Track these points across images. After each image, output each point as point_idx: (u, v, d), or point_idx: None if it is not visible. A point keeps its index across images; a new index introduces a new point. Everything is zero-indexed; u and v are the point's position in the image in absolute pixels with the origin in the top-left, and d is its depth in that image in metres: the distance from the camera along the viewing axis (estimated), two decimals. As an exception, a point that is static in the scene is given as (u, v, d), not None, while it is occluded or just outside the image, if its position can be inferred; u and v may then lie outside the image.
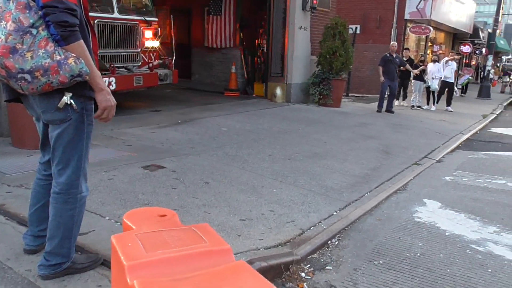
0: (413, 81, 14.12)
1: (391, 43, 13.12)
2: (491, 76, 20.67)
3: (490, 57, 21.17)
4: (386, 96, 12.00)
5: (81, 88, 2.36)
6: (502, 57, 44.39)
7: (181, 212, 3.79)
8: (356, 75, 18.31)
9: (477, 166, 6.87)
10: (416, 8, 18.94)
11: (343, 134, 8.16)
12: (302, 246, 3.48)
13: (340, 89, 11.98)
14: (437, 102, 14.01)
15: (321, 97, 11.58)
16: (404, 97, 14.66)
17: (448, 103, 13.83)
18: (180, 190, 4.38)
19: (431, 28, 19.49)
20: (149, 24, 9.16)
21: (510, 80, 24.91)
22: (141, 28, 8.94)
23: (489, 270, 3.33)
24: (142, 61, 9.05)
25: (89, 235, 3.15)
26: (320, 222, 4.00)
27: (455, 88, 13.89)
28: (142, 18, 9.03)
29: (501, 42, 37.80)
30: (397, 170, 6.14)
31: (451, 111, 13.41)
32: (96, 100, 2.41)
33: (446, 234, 4.01)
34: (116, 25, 8.35)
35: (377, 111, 11.82)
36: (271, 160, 5.88)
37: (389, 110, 11.89)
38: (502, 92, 24.47)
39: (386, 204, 4.80)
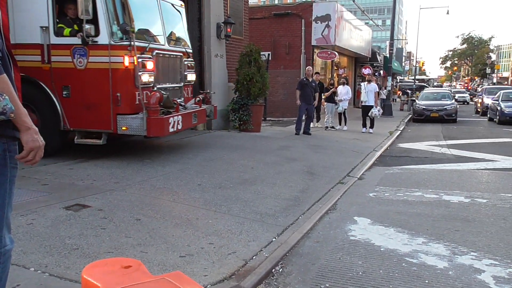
0: (325, 103, 14.85)
1: (307, 67, 13.69)
2: (383, 96, 22.37)
3: (390, 78, 23.06)
4: (303, 118, 12.45)
5: (3, 127, 2.09)
6: (397, 77, 48.75)
7: (116, 254, 3.51)
8: (270, 100, 18.83)
9: (395, 181, 7.32)
10: (321, 35, 20.16)
11: (268, 158, 8.27)
12: (248, 278, 3.39)
13: (259, 114, 12.21)
14: (370, 126, 14.07)
15: (241, 122, 11.69)
16: (318, 119, 15.35)
17: (371, 125, 13.98)
18: (110, 230, 4.07)
19: (337, 53, 20.80)
20: (189, 55, 8.43)
21: (408, 98, 27.29)
22: (184, 60, 8.19)
23: (426, 281, 3.49)
24: (183, 96, 8.23)
25: (13, 293, 2.77)
26: (261, 250, 3.95)
27: (375, 110, 14.10)
28: (184, 49, 8.28)
29: (395, 64, 41.55)
30: (324, 190, 6.32)
31: (370, 133, 13.71)
32: (21, 140, 2.14)
33: (381, 249, 4.17)
34: (167, 57, 7.59)
35: (296, 133, 12.19)
36: (201, 190, 5.74)
37: (307, 132, 12.34)
38: (401, 109, 26.72)
39: (321, 225, 4.89)
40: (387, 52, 27.97)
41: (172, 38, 8.03)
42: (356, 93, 24.45)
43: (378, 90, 14.76)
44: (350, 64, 29.22)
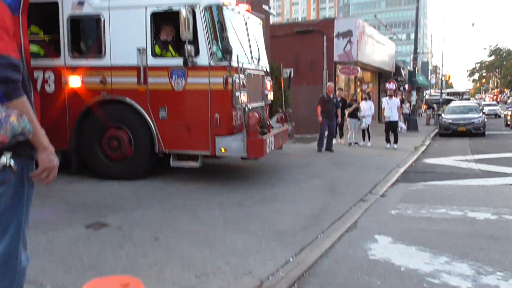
0: (348, 119, 14.72)
1: (328, 83, 13.66)
2: (407, 110, 21.85)
3: (414, 93, 22.75)
4: (325, 135, 12.37)
5: (22, 146, 2.16)
6: (425, 91, 48.09)
7: (132, 273, 3.52)
8: (293, 116, 18.68)
9: (418, 197, 7.16)
10: (344, 50, 20.13)
11: (289, 175, 8.23)
12: (263, 298, 3.36)
13: (280, 131, 12.17)
14: (394, 142, 13.88)
15: (263, 139, 11.68)
16: (341, 135, 15.21)
17: (395, 141, 13.76)
18: (128, 248, 4.12)
19: (359, 69, 20.70)
20: (268, 73, 8.43)
21: (434, 113, 26.81)
22: (265, 79, 8.22)
23: (448, 302, 3.37)
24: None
25: (30, 311, 2.82)
26: (278, 270, 3.90)
27: (401, 124, 13.87)
28: (265, 67, 8.30)
29: (420, 78, 40.98)
30: (345, 207, 6.23)
31: (395, 148, 13.47)
32: (38, 159, 2.22)
33: (402, 269, 4.06)
34: (254, 76, 7.62)
35: (318, 150, 12.10)
36: (221, 208, 5.75)
37: (329, 148, 12.24)
38: (428, 124, 26.21)
39: (340, 243, 4.81)
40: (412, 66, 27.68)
41: (256, 57, 8.00)
42: (380, 109, 24.20)
43: (400, 105, 14.58)
44: (374, 79, 28.98)
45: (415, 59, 23.49)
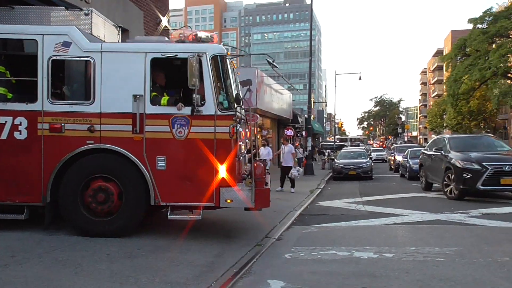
0: (248, 164, 15.04)
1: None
2: (300, 155, 23.02)
3: (310, 139, 24.14)
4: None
5: None
6: (320, 138, 51.29)
7: None
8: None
9: (311, 240, 7.42)
10: (243, 98, 20.83)
11: (184, 223, 8.03)
12: None
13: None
14: (291, 186, 14.38)
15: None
16: (241, 180, 15.41)
17: (292, 185, 14.34)
18: (-6, 313, 3.64)
19: (258, 116, 21.49)
20: (247, 122, 7.97)
21: (326, 158, 28.60)
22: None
23: None
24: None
25: None
26: (167, 323, 3.72)
27: (295, 168, 14.59)
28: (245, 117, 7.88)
29: (316, 125, 43.80)
30: (241, 253, 6.21)
31: (292, 192, 14.02)
32: None
33: (291, 313, 4.11)
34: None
35: (217, 195, 12.08)
36: (109, 260, 5.40)
37: (229, 193, 12.28)
38: (323, 168, 27.81)
39: (233, 291, 4.76)
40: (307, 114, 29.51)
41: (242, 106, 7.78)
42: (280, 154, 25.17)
43: (293, 151, 15.47)
44: (274, 125, 30.30)
45: (309, 107, 25.12)
